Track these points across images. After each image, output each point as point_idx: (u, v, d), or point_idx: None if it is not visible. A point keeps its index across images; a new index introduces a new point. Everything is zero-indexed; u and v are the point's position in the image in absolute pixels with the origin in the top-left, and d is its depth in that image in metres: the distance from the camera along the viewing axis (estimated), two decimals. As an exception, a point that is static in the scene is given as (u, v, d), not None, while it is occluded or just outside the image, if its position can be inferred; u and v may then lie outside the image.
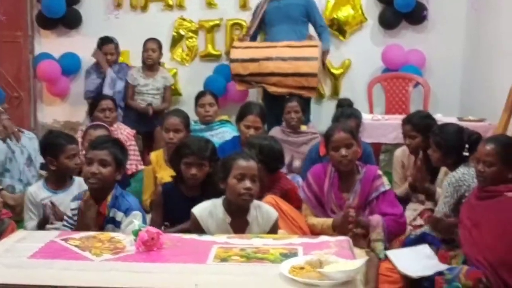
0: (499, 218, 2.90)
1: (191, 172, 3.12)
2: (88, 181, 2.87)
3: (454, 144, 3.40)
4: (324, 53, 5.35)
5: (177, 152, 3.24)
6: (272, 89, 5.11)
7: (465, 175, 3.30)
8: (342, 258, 2.03)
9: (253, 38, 5.54)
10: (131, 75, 5.55)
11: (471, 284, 2.75)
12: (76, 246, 2.29)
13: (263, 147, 3.47)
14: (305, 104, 4.87)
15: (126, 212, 2.82)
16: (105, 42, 5.63)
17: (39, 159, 4.25)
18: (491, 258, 2.83)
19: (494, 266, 2.81)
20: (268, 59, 5.04)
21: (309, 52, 5.05)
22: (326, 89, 6.27)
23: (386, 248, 3.23)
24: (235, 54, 5.22)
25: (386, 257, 3.18)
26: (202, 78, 6.08)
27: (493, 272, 2.80)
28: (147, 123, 5.40)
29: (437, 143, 3.47)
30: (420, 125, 3.79)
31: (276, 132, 4.61)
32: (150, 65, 5.56)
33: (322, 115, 5.83)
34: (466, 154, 3.36)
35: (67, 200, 3.08)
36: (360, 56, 6.20)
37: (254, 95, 6.08)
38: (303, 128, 4.71)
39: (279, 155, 3.60)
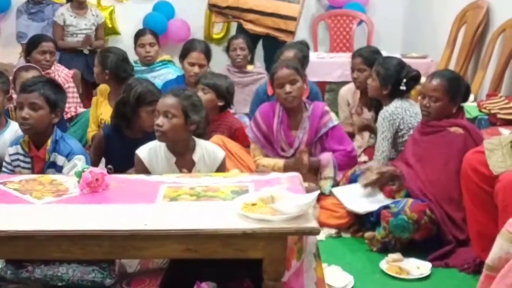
0: (441, 152, 2.97)
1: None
2: (21, 127, 2.73)
3: (392, 74, 3.43)
4: None
5: (139, 100, 3.04)
6: (248, 26, 4.87)
7: (398, 109, 3.36)
8: (293, 193, 2.01)
9: None
10: (61, 14, 5.21)
11: (416, 216, 2.83)
12: (15, 189, 2.17)
13: (226, 87, 3.46)
14: (276, 47, 4.76)
15: (68, 156, 2.71)
16: None
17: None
18: (434, 191, 2.92)
19: (437, 199, 2.90)
20: None
21: None
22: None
23: (335, 185, 3.28)
24: None
25: (332, 193, 3.23)
26: (141, 16, 5.86)
27: (436, 205, 2.89)
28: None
29: (377, 72, 3.49)
30: (370, 59, 3.78)
31: (222, 71, 4.51)
32: (80, 3, 5.24)
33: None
34: (403, 88, 3.40)
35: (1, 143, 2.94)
36: (305, -7, 6.09)
37: (197, 33, 5.91)
38: (250, 67, 4.62)
39: (234, 92, 3.60)
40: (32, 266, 1.99)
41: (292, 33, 4.76)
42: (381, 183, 3.09)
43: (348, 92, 4.12)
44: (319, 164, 3.31)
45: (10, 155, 2.79)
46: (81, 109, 4.36)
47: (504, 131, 3.17)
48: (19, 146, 2.78)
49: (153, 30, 4.77)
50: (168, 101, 2.59)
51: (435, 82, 3.02)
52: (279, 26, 4.74)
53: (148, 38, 4.58)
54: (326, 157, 3.32)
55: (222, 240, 1.84)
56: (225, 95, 3.46)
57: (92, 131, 3.76)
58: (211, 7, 5.03)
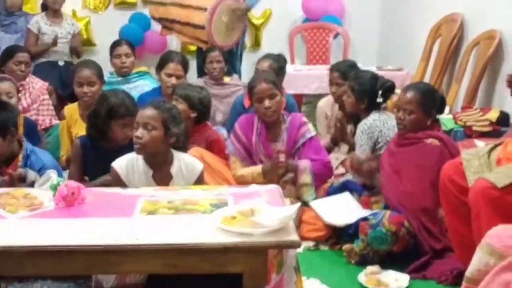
0: (418, 164, 2.98)
1: (131, 132, 2.73)
2: None
3: (367, 89, 3.47)
4: (240, 8, 4.83)
5: (110, 113, 2.95)
6: (180, 38, 4.91)
7: (376, 121, 3.38)
8: (273, 206, 1.99)
9: None
10: (36, 22, 5.13)
11: (394, 228, 2.83)
12: (-13, 204, 2.13)
13: (199, 98, 3.43)
14: (229, 55, 4.72)
15: (40, 171, 2.65)
16: None
17: None
18: (411, 203, 2.92)
19: (413, 210, 2.91)
20: (173, 4, 4.74)
21: (202, 2, 4.66)
22: (247, 40, 6.18)
23: (315, 193, 3.28)
24: None
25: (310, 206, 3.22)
26: (117, 27, 5.81)
27: (414, 216, 2.89)
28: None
29: (352, 88, 3.53)
30: (347, 73, 3.81)
31: (199, 83, 4.48)
32: (55, 11, 5.17)
33: (244, 66, 5.72)
34: (380, 100, 3.44)
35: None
36: (281, 6, 6.13)
37: (174, 45, 5.89)
38: (227, 80, 4.61)
39: (210, 104, 3.56)
40: (5, 283, 1.95)
41: (206, 42, 4.64)
42: (364, 170, 3.15)
43: (326, 105, 4.14)
44: (297, 169, 3.30)
45: None
46: (55, 121, 4.29)
47: (479, 143, 3.20)
48: None
49: (129, 41, 4.73)
50: (148, 112, 2.56)
51: (409, 95, 3.04)
52: (195, 35, 4.69)
53: (124, 48, 4.54)
54: (303, 163, 3.32)
55: (202, 255, 1.81)
56: (198, 107, 3.41)
57: (64, 155, 3.65)
58: (153, 19, 5.03)
